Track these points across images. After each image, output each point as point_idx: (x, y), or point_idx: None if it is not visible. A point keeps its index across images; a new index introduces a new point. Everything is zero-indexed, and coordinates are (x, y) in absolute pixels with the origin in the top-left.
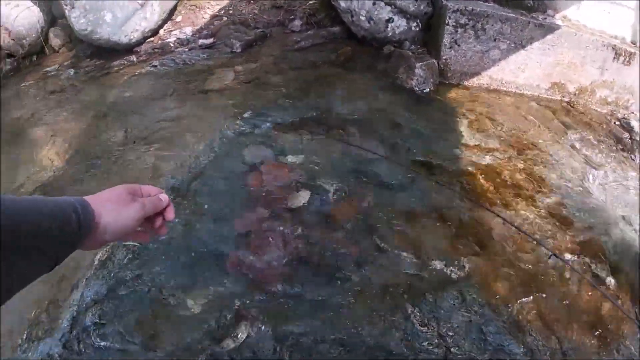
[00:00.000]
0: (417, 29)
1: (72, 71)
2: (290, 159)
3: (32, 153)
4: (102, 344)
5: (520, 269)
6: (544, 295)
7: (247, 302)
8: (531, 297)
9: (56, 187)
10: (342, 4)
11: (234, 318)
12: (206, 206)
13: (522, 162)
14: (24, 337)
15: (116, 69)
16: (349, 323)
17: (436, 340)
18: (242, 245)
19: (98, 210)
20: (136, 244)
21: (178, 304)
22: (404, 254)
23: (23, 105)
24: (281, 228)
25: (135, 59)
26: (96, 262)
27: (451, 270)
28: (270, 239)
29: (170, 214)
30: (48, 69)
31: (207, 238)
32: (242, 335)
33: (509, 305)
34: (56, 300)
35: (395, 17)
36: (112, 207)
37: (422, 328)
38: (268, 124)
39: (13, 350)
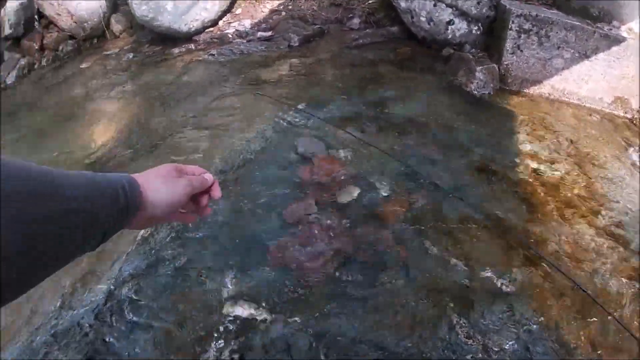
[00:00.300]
0: (478, 33)
1: (131, 55)
2: (342, 154)
3: (88, 130)
4: (135, 319)
5: (575, 289)
6: (595, 319)
7: (286, 292)
8: (584, 320)
9: (108, 165)
10: (402, 4)
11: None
12: (254, 193)
13: (581, 176)
14: (58, 304)
15: (175, 55)
16: (391, 326)
17: (480, 355)
18: (287, 235)
19: (145, 187)
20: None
21: (215, 288)
22: (454, 260)
23: (82, 84)
24: (328, 222)
25: (193, 47)
26: (139, 238)
27: (502, 282)
28: (317, 232)
29: (216, 192)
30: (108, 52)
31: (252, 224)
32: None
33: (560, 326)
34: (94, 271)
35: (456, 20)
36: (160, 183)
37: (466, 340)
38: (322, 118)
39: (45, 317)
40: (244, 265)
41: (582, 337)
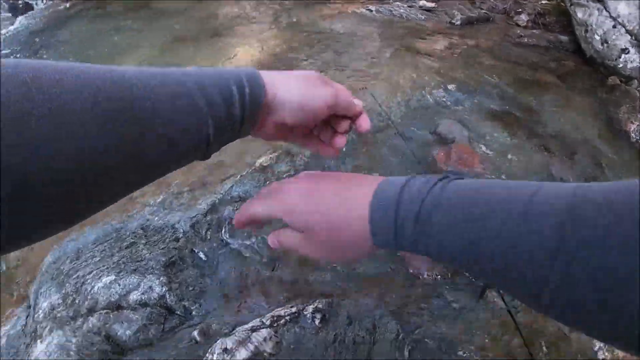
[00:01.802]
0: None
1: None
2: (484, 149)
3: (231, 48)
4: (229, 241)
5: None
6: None
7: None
8: None
9: None
10: (579, 14)
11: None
12: (384, 158)
13: None
14: (158, 200)
15: (331, 3)
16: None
17: None
18: None
19: (274, 84)
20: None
21: None
22: None
23: (235, 3)
24: None
25: None
26: (257, 164)
27: None
28: None
29: (365, 123)
30: None
31: None
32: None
33: None
34: (204, 181)
35: (632, 50)
36: (295, 83)
37: None
38: (470, 105)
39: (140, 207)
40: None
41: None
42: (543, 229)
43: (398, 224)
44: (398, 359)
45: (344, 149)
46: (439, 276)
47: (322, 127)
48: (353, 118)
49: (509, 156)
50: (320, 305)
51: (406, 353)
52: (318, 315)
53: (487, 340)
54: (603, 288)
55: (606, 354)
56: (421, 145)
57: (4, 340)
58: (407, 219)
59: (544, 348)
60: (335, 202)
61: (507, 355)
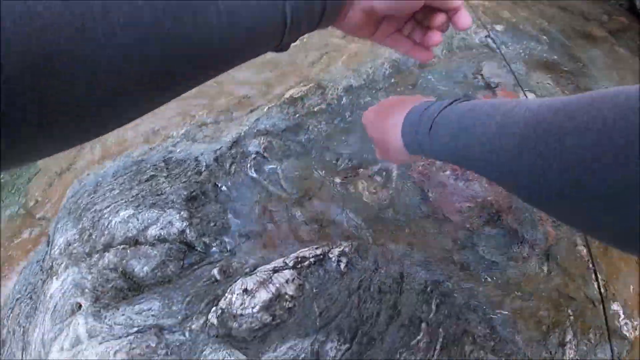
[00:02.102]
0: None
1: None
2: (530, 96)
3: None
4: (254, 176)
5: None
6: None
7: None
8: None
9: None
10: None
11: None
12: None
13: None
14: (181, 132)
15: None
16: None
17: None
18: None
19: None
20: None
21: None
22: None
23: None
24: None
25: None
26: (287, 95)
27: None
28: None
29: (465, 19)
30: None
31: None
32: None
33: None
34: (229, 112)
35: None
36: None
37: None
38: (518, 49)
39: (162, 139)
40: (383, 170)
41: None
42: (514, 131)
43: (418, 138)
44: (424, 312)
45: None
46: (473, 226)
47: (413, 27)
48: (450, 13)
49: None
50: (346, 249)
51: (433, 306)
52: (344, 260)
53: (517, 300)
54: (571, 168)
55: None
56: (464, 86)
57: (22, 276)
58: (424, 134)
59: (571, 317)
60: (387, 123)
61: (532, 316)
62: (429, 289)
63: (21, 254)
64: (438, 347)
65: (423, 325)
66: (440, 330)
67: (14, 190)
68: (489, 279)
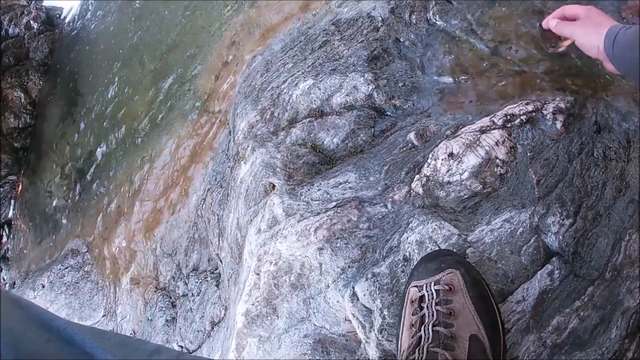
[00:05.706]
0: None
1: None
2: None
3: None
4: (439, 22)
5: None
6: None
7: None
8: None
9: None
10: None
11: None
12: None
13: None
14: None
15: None
16: None
17: None
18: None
19: None
20: None
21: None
22: None
23: None
24: None
25: None
26: None
27: None
28: None
29: None
30: None
31: None
32: None
33: None
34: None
35: None
36: None
37: None
38: None
39: (325, 2)
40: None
41: None
42: None
43: (613, 47)
44: None
45: None
46: None
47: None
48: None
49: None
50: (562, 105)
51: None
52: (560, 117)
53: None
54: None
55: None
56: None
57: (209, 168)
58: (613, 46)
59: None
60: (594, 31)
61: None
62: None
63: (206, 149)
64: None
65: None
66: None
67: (185, 92)
68: None
